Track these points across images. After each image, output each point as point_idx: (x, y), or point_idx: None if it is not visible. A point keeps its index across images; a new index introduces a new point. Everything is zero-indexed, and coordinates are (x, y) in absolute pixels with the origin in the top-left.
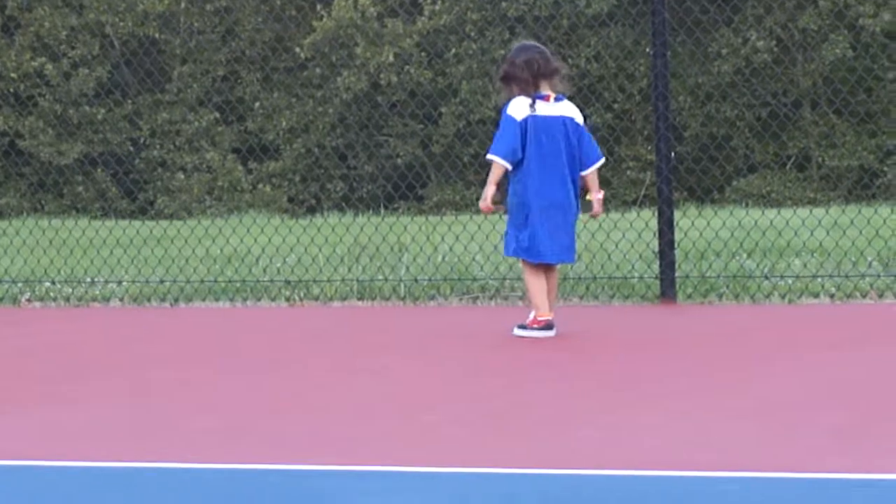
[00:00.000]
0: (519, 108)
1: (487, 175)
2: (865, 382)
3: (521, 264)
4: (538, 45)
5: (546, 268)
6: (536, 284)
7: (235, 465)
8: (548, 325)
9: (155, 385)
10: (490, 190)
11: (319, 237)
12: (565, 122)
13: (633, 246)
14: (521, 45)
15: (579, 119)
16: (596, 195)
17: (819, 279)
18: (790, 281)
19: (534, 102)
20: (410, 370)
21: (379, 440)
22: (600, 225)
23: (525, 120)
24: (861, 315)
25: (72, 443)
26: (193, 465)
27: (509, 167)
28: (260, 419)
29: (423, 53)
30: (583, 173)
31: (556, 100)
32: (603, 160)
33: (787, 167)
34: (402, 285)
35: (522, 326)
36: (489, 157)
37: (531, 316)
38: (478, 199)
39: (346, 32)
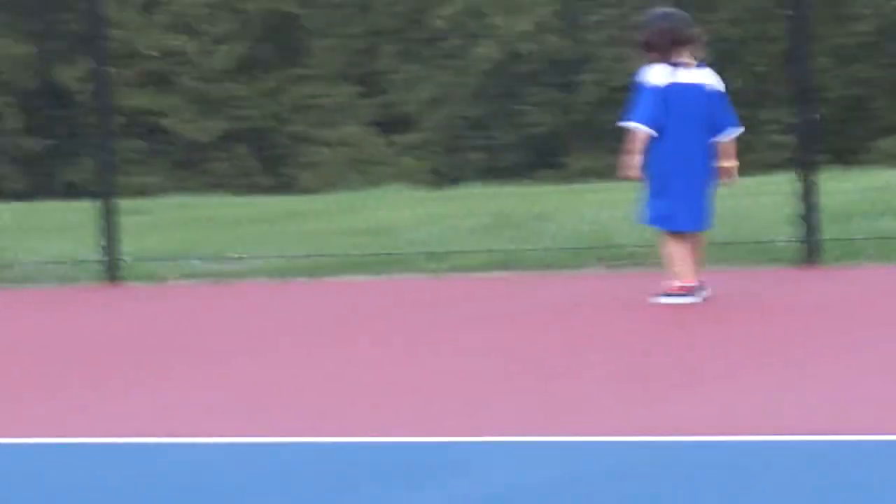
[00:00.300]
0: (660, 75)
1: (625, 143)
2: None
3: (659, 235)
4: (677, 10)
5: (688, 234)
6: (678, 251)
7: (383, 438)
8: (691, 292)
9: (299, 360)
10: (636, 158)
11: (462, 208)
12: (706, 89)
13: (776, 209)
14: (661, 11)
15: (720, 86)
16: (731, 162)
17: None
18: None
19: (675, 69)
20: (551, 338)
21: (518, 410)
22: (745, 189)
23: (667, 87)
24: None
25: (217, 418)
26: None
27: (653, 133)
28: (404, 392)
29: (561, 21)
30: (719, 140)
31: (697, 67)
32: (741, 129)
33: None
34: (547, 254)
35: (665, 294)
36: (628, 124)
37: (672, 283)
38: (618, 167)
39: (483, 2)
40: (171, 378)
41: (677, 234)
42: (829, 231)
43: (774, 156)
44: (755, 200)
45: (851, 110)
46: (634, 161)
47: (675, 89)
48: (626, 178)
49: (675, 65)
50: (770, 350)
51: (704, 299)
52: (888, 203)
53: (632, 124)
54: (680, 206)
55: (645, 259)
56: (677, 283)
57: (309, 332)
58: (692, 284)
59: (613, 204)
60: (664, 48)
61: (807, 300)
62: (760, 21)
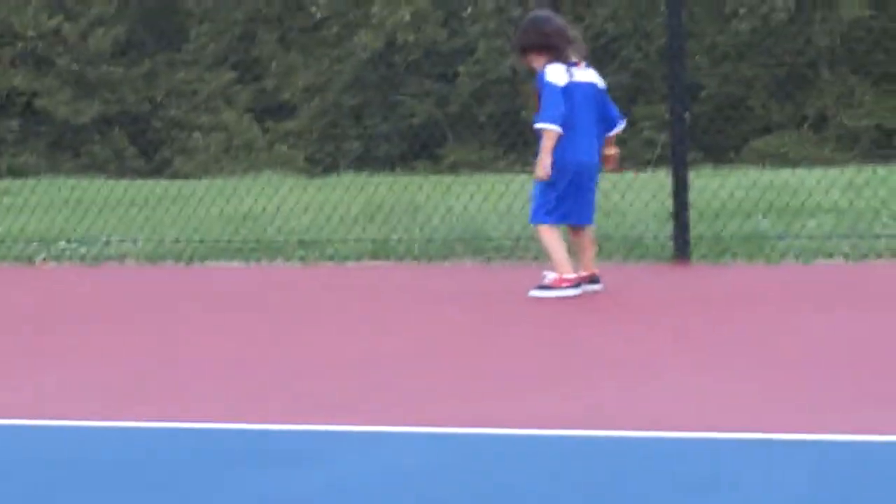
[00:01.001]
0: (558, 75)
1: (539, 143)
2: (879, 342)
3: (538, 227)
4: (552, 12)
5: (577, 229)
6: (559, 243)
7: (241, 424)
8: (571, 284)
9: (165, 342)
10: (548, 159)
11: (334, 197)
12: (595, 87)
13: (647, 206)
14: (542, 13)
15: (602, 84)
16: (614, 150)
17: (834, 239)
18: (805, 241)
19: (569, 69)
20: (415, 330)
21: (366, 400)
22: (615, 185)
23: (566, 86)
24: (875, 275)
25: (80, 400)
26: (195, 424)
27: (560, 132)
28: (278, 378)
29: (439, 12)
30: (608, 135)
31: (584, 66)
32: (625, 123)
33: (804, 127)
34: (417, 245)
35: (542, 287)
36: (541, 125)
37: (549, 276)
38: (494, 158)
39: None
40: (38, 359)
41: (559, 228)
42: (699, 228)
43: (649, 152)
44: (628, 196)
45: (728, 109)
46: (547, 162)
47: (573, 88)
48: (539, 179)
49: (569, 64)
50: (633, 346)
51: (595, 292)
52: (757, 202)
53: (546, 125)
54: (575, 201)
55: (514, 252)
56: (557, 276)
57: (175, 316)
58: (572, 277)
59: (484, 196)
60: (558, 49)
61: (674, 297)
62: (638, 18)
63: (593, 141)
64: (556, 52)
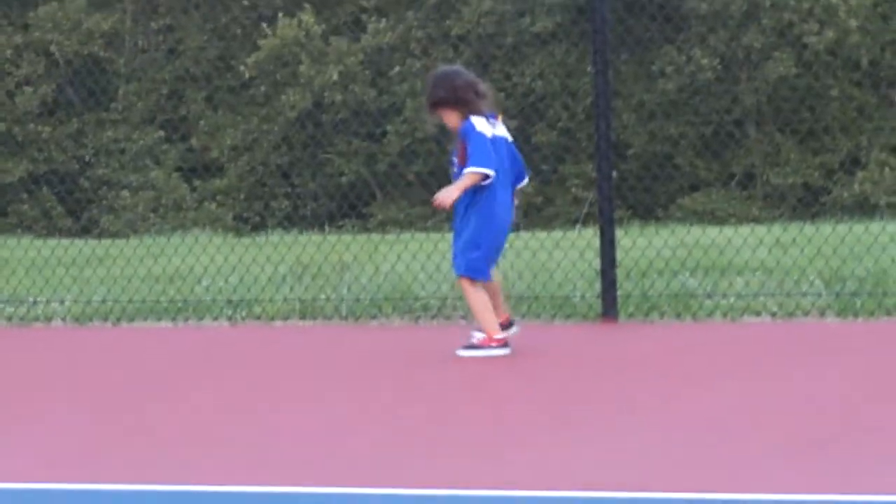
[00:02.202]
0: (483, 126)
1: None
2: (807, 401)
3: (463, 284)
4: (459, 67)
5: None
6: (485, 302)
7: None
8: (500, 344)
9: (92, 406)
10: (458, 193)
11: (262, 256)
12: (507, 141)
13: (575, 265)
14: (447, 69)
15: (510, 138)
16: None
17: (761, 298)
18: (732, 299)
19: (489, 121)
20: (344, 392)
21: (301, 464)
22: (542, 243)
23: (491, 138)
24: (803, 333)
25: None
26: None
27: (492, 175)
28: (183, 444)
29: (367, 72)
30: (517, 187)
31: (494, 119)
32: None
33: (732, 185)
34: (344, 304)
35: (471, 346)
36: (476, 169)
37: (477, 336)
38: (423, 217)
39: (291, 51)
40: None
41: (479, 283)
42: (626, 287)
43: (576, 210)
44: (555, 255)
45: (655, 167)
46: (455, 194)
47: (495, 141)
48: (439, 206)
49: (489, 117)
50: (559, 406)
51: (511, 336)
52: (684, 260)
53: (481, 169)
54: (492, 256)
55: (442, 311)
56: (484, 336)
57: (101, 379)
58: (501, 336)
59: (412, 255)
60: (473, 102)
61: (601, 355)
62: (565, 76)
63: (511, 195)
64: (470, 106)
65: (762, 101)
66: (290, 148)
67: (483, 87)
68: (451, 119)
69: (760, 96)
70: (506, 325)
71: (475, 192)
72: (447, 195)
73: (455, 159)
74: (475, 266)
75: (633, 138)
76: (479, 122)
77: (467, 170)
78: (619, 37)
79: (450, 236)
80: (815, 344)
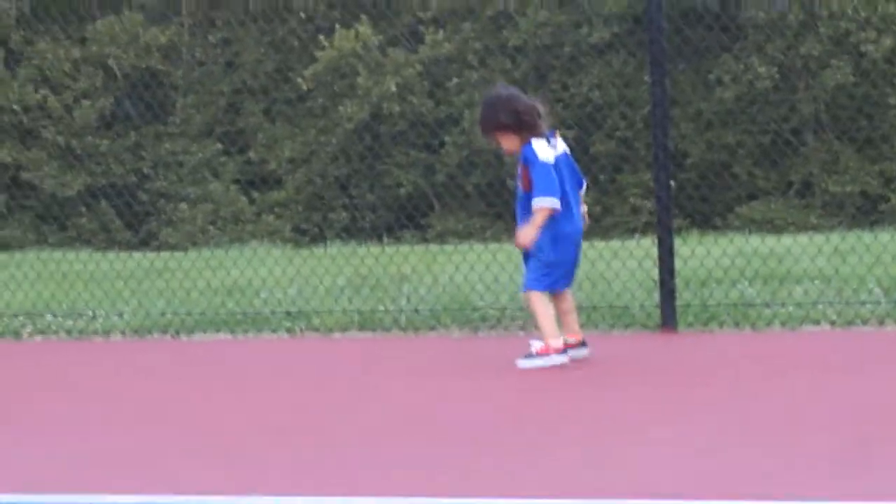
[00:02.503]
0: (545, 151)
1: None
2: (866, 409)
3: (529, 294)
4: (515, 89)
5: (559, 293)
6: (548, 310)
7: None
8: (559, 351)
9: (150, 417)
10: (536, 233)
11: (321, 268)
12: (568, 156)
13: (633, 274)
14: (505, 93)
15: (568, 150)
16: (584, 207)
17: (820, 306)
18: (791, 308)
19: (549, 142)
20: (406, 400)
21: (364, 469)
22: (601, 253)
23: (555, 160)
24: (862, 342)
25: (69, 474)
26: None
27: (559, 208)
28: (258, 448)
29: (424, 83)
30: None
31: (553, 137)
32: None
33: (790, 193)
34: (403, 315)
35: (529, 356)
36: (543, 203)
37: (535, 345)
38: (481, 228)
39: (348, 62)
40: (29, 433)
41: (546, 294)
42: (685, 296)
43: (634, 220)
44: (614, 265)
45: (713, 176)
46: (535, 236)
47: (559, 161)
48: (520, 247)
49: (549, 137)
50: (618, 415)
51: (584, 358)
52: (743, 269)
53: (548, 203)
54: (565, 268)
55: (501, 322)
56: (543, 344)
57: (161, 390)
58: (559, 344)
59: (471, 266)
60: (536, 125)
61: (660, 365)
62: (622, 86)
63: (579, 208)
64: (533, 131)
65: (820, 109)
66: (347, 160)
67: (541, 107)
68: (511, 143)
69: (818, 105)
70: (577, 345)
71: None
72: (526, 236)
73: (518, 183)
74: (537, 276)
75: (691, 147)
76: (541, 148)
77: (536, 205)
78: (675, 46)
79: (508, 247)
80: (875, 352)
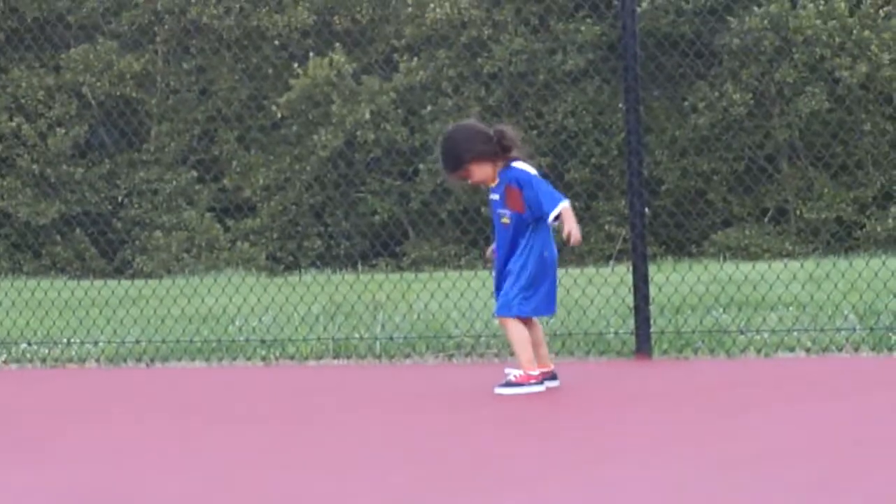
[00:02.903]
0: (530, 168)
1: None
2: (843, 437)
3: (506, 322)
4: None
5: (528, 321)
6: (525, 338)
7: None
8: (537, 380)
9: (128, 446)
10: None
11: (295, 295)
12: None
13: (608, 301)
14: (464, 124)
15: None
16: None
17: (795, 333)
18: (766, 335)
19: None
20: (379, 429)
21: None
22: (576, 280)
23: None
24: (837, 369)
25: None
26: None
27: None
28: (235, 480)
29: (399, 110)
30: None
31: None
32: None
33: (765, 220)
34: (378, 343)
35: (508, 384)
36: (562, 206)
37: (514, 373)
38: (456, 255)
39: (322, 90)
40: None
41: (519, 321)
42: (660, 323)
43: (609, 247)
44: (588, 292)
45: (688, 203)
46: (578, 230)
47: None
48: (577, 244)
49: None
50: (594, 443)
51: (555, 388)
52: (717, 296)
53: (563, 203)
54: (552, 293)
55: (475, 349)
56: (521, 373)
57: (134, 418)
58: (537, 373)
59: (445, 293)
60: (510, 147)
61: (635, 392)
62: (597, 113)
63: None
64: (509, 153)
65: (795, 135)
66: (322, 187)
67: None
68: (484, 172)
69: (793, 131)
70: (548, 377)
71: (532, 231)
72: (577, 231)
73: (503, 209)
74: (531, 305)
75: (666, 174)
76: (526, 165)
77: (558, 210)
78: (650, 73)
79: (483, 274)
80: (850, 379)
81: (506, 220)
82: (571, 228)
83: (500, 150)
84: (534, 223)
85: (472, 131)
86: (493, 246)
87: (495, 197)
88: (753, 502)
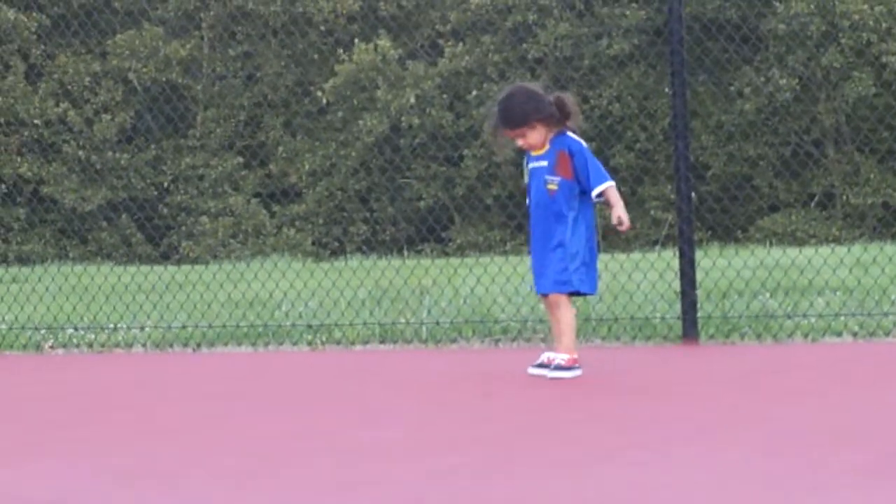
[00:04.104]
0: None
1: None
2: (889, 421)
3: (560, 300)
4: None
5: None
6: (573, 322)
7: None
8: (578, 364)
9: (173, 429)
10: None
11: (341, 281)
12: None
13: (654, 286)
14: (529, 85)
15: None
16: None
17: (842, 318)
18: (813, 320)
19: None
20: (424, 414)
21: (385, 484)
22: (622, 265)
23: None
24: (884, 353)
25: (84, 488)
26: None
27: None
28: (281, 464)
29: (444, 96)
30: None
31: None
32: None
33: (811, 205)
34: (424, 328)
35: (559, 367)
36: (608, 184)
37: (560, 357)
38: (501, 240)
39: (368, 76)
40: (53, 447)
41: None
42: (706, 308)
43: (655, 232)
44: (635, 276)
45: (734, 188)
46: (625, 213)
47: None
48: (628, 228)
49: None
50: (640, 427)
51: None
52: (764, 281)
53: (609, 184)
54: (595, 270)
55: (522, 334)
56: (569, 356)
57: (181, 402)
58: (576, 356)
59: (491, 278)
60: (570, 113)
61: (682, 377)
62: (642, 98)
63: None
64: (567, 119)
65: (841, 120)
66: (368, 173)
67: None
68: (539, 136)
69: (839, 116)
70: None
71: (581, 203)
72: (626, 216)
73: (552, 175)
74: (593, 282)
75: (712, 159)
76: (577, 137)
77: (604, 186)
78: (696, 58)
79: (527, 258)
80: None
81: (553, 187)
82: (620, 213)
83: (563, 115)
84: (580, 195)
85: (536, 93)
86: None
87: (542, 164)
88: (801, 487)
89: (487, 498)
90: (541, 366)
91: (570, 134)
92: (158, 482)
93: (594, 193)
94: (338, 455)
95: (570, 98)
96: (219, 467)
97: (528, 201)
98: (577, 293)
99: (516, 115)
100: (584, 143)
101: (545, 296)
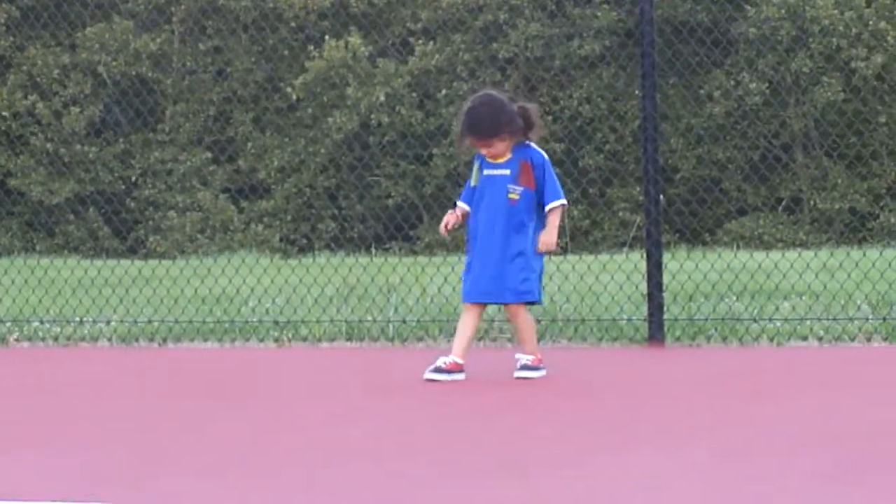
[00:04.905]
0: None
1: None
2: (855, 427)
3: (521, 307)
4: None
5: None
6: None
7: None
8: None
9: (137, 427)
10: (556, 234)
11: (309, 277)
12: None
13: (622, 288)
14: (497, 95)
15: None
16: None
17: (808, 322)
18: (779, 324)
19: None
20: (389, 412)
21: (344, 487)
22: (589, 266)
23: None
24: (850, 358)
25: (49, 485)
26: None
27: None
28: (245, 461)
29: (414, 94)
30: None
31: None
32: None
33: (779, 210)
34: (391, 326)
35: (526, 367)
36: (559, 203)
37: (525, 358)
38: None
39: (338, 73)
40: (17, 442)
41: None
42: (673, 310)
43: (623, 234)
44: (602, 278)
45: (702, 191)
46: (556, 239)
47: None
48: (547, 250)
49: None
50: (604, 429)
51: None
52: (731, 284)
53: (562, 202)
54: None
55: (488, 334)
56: (534, 357)
57: (145, 398)
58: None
59: (459, 277)
60: (534, 125)
61: (647, 379)
62: (612, 100)
63: None
64: (531, 130)
65: (810, 125)
66: (337, 170)
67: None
68: (504, 147)
69: (808, 121)
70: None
71: (538, 214)
72: (551, 240)
73: (514, 185)
74: (537, 290)
75: (681, 162)
76: (538, 148)
77: (555, 204)
78: (667, 60)
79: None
80: (862, 369)
81: (514, 196)
82: (550, 238)
83: (529, 126)
84: (538, 207)
85: (506, 104)
86: (457, 211)
87: (503, 172)
88: (765, 490)
89: (449, 499)
90: (438, 370)
91: (532, 145)
92: (123, 478)
93: (547, 209)
94: (303, 453)
95: (534, 109)
96: (184, 465)
97: (472, 203)
98: (534, 302)
99: (486, 126)
100: (545, 156)
101: (506, 305)
